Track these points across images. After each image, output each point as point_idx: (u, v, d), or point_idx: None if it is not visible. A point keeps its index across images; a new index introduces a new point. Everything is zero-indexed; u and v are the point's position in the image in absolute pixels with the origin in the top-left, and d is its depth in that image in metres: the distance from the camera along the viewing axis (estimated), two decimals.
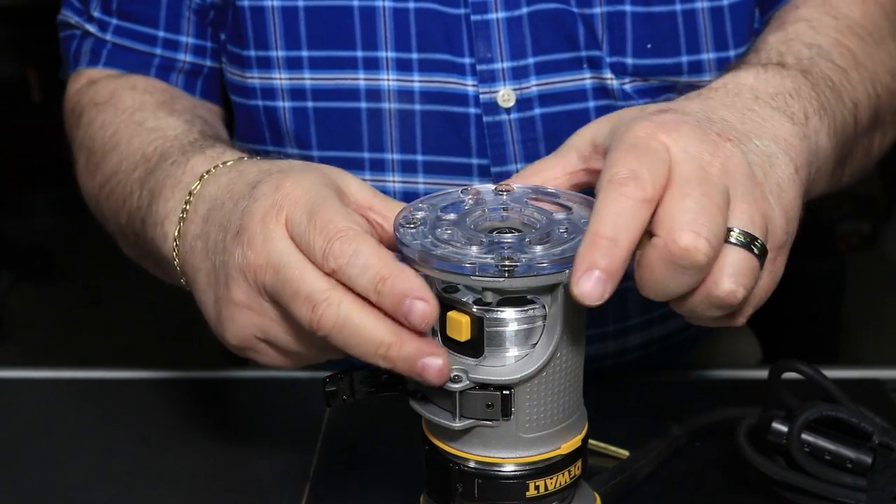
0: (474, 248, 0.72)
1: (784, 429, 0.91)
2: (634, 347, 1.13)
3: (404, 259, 0.73)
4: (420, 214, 0.76)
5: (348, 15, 1.01)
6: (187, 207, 0.84)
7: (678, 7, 1.01)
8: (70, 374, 1.17)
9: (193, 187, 0.84)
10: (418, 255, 0.72)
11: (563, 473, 0.80)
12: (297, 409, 1.08)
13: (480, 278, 0.71)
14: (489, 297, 0.73)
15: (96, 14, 1.10)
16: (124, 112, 1.02)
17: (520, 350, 0.75)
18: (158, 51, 1.10)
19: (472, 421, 0.75)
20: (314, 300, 0.71)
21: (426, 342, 0.71)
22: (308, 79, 1.04)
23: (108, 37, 1.10)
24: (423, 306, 0.69)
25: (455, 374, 0.73)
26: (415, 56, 1.01)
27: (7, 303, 3.46)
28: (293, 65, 1.04)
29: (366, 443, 1.03)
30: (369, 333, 0.71)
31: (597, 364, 1.12)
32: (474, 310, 0.76)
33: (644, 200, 0.67)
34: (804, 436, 0.91)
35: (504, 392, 0.74)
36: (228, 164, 0.85)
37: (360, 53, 1.02)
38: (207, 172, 0.84)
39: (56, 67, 1.19)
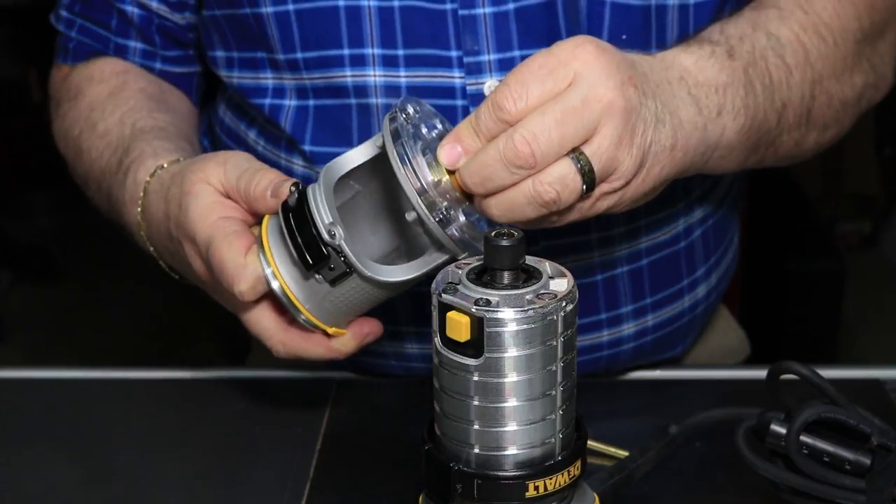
0: (432, 179, 0.85)
1: (783, 430, 0.91)
2: (629, 337, 1.14)
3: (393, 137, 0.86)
4: (411, 111, 0.88)
5: (334, 15, 1.03)
6: (141, 222, 1.04)
7: (653, 1, 1.02)
8: (70, 374, 1.17)
9: (138, 215, 1.04)
10: (393, 133, 0.85)
11: (562, 474, 0.80)
12: (297, 409, 1.09)
13: (418, 201, 0.84)
14: (407, 211, 0.86)
15: (64, 14, 1.20)
16: (84, 110, 1.16)
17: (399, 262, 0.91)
18: (111, 53, 1.19)
19: (313, 267, 0.88)
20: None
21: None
22: (307, 79, 1.07)
23: (74, 34, 1.20)
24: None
25: (335, 231, 0.86)
26: (401, 52, 1.03)
27: (7, 303, 3.47)
28: (293, 66, 1.06)
29: (366, 443, 1.04)
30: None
31: (592, 356, 1.13)
32: (474, 310, 0.76)
33: (501, 121, 0.83)
34: (803, 437, 0.91)
35: (348, 270, 0.88)
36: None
37: (346, 51, 1.04)
38: (141, 198, 1.03)
39: None
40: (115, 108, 1.13)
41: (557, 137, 0.82)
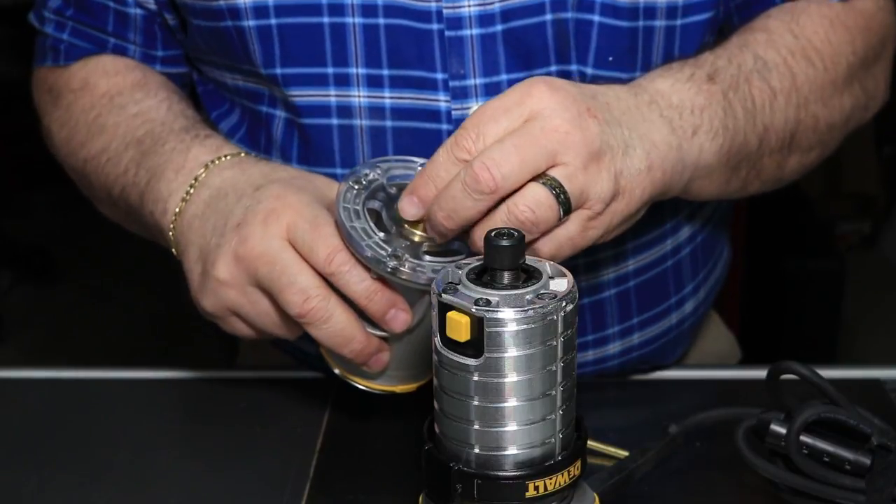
0: (381, 235, 0.88)
1: (783, 430, 0.91)
2: (614, 355, 1.13)
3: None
4: (371, 176, 0.91)
5: (318, 32, 1.01)
6: (191, 191, 0.98)
7: (641, 24, 1.02)
8: (70, 374, 1.17)
9: (199, 174, 0.98)
10: (342, 220, 0.87)
11: (562, 474, 0.80)
12: (297, 409, 1.09)
13: (374, 266, 0.86)
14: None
15: (51, 16, 1.17)
16: (103, 97, 1.12)
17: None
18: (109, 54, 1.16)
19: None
20: (308, 293, 0.88)
21: (382, 343, 0.92)
22: (292, 96, 1.04)
23: (65, 36, 1.16)
24: (405, 316, 0.89)
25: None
26: (385, 72, 1.01)
27: (7, 303, 3.47)
28: (273, 81, 1.04)
29: (366, 443, 1.04)
30: (348, 330, 0.89)
31: (577, 372, 1.12)
32: (474, 310, 0.76)
33: (461, 161, 0.84)
34: (803, 437, 0.91)
35: None
36: (229, 157, 0.99)
37: (330, 70, 1.02)
38: (211, 162, 0.99)
39: None
40: (145, 97, 1.10)
41: (517, 161, 0.83)
